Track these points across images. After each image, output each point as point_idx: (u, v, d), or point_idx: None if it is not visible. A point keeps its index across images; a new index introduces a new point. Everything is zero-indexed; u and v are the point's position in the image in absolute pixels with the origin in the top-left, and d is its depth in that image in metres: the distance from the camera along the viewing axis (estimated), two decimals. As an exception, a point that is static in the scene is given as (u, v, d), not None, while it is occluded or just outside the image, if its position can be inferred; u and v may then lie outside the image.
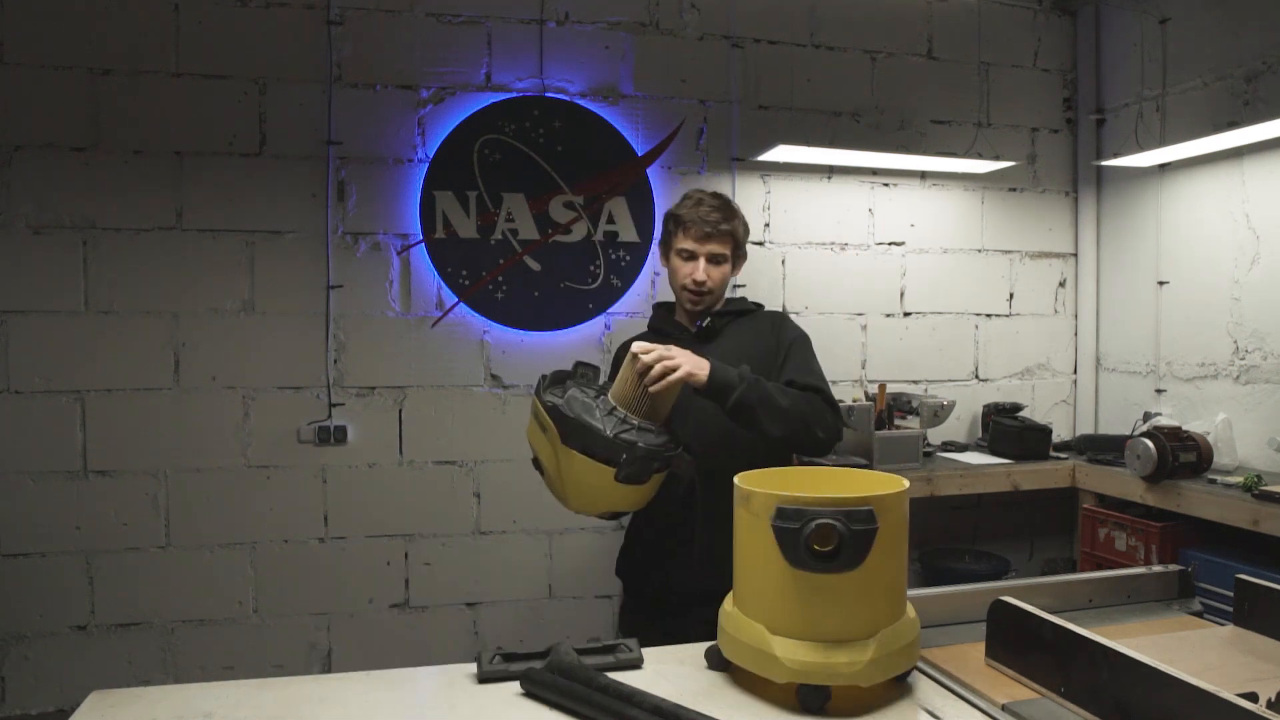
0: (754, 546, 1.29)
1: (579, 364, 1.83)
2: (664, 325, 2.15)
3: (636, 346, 1.72)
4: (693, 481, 1.75)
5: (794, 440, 1.89)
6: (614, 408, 1.70)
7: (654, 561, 2.05)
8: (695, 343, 2.01)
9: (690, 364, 1.75)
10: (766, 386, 1.84)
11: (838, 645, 1.24)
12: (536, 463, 1.81)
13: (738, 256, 2.09)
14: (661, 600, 2.01)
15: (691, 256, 2.03)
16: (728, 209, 2.05)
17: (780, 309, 3.79)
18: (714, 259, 2.02)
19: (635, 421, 1.68)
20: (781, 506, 1.24)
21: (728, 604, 1.39)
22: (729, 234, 2.02)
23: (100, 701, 1.26)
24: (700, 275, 2.01)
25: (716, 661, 1.39)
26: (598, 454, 1.63)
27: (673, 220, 2.07)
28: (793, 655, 1.24)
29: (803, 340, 2.08)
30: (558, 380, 1.77)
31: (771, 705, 1.26)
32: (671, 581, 2.00)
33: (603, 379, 1.89)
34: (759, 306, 2.18)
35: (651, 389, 1.69)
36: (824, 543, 1.23)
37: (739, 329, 2.09)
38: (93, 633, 3.25)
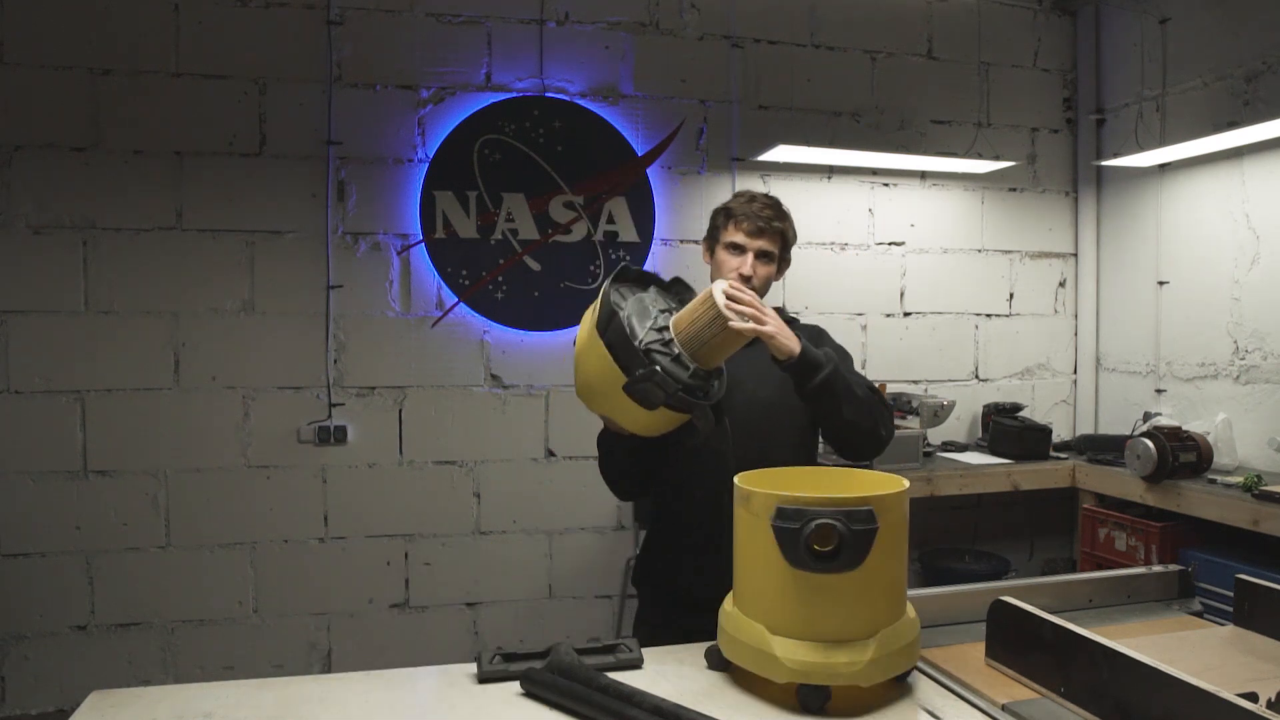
0: (754, 546, 1.29)
1: (677, 279, 1.74)
2: None
3: (726, 285, 1.59)
4: (707, 441, 1.63)
5: (860, 430, 1.82)
6: (665, 327, 1.60)
7: (678, 569, 1.97)
8: (743, 353, 1.89)
9: (781, 330, 1.67)
10: (846, 374, 1.79)
11: (838, 645, 1.24)
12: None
13: (784, 259, 2.04)
14: (685, 608, 1.86)
15: (740, 250, 1.97)
16: (780, 209, 2.01)
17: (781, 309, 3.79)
18: (762, 256, 1.97)
19: (677, 350, 1.56)
20: (781, 506, 1.24)
21: (728, 604, 1.38)
22: (780, 232, 1.98)
23: (100, 701, 1.26)
24: (748, 270, 1.95)
25: (716, 661, 1.39)
26: (619, 356, 1.53)
27: (722, 213, 2.02)
28: (793, 655, 1.24)
29: (846, 354, 2.02)
30: (643, 280, 1.70)
31: (772, 705, 1.26)
32: (695, 590, 1.83)
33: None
34: (795, 319, 2.08)
35: (731, 325, 1.53)
36: (824, 543, 1.22)
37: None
38: (93, 633, 3.25)
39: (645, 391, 1.50)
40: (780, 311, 2.02)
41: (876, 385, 2.02)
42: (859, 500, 1.23)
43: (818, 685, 1.24)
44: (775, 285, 3.81)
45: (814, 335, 2.04)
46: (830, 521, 1.22)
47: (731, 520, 1.46)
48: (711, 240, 2.07)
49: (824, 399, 1.76)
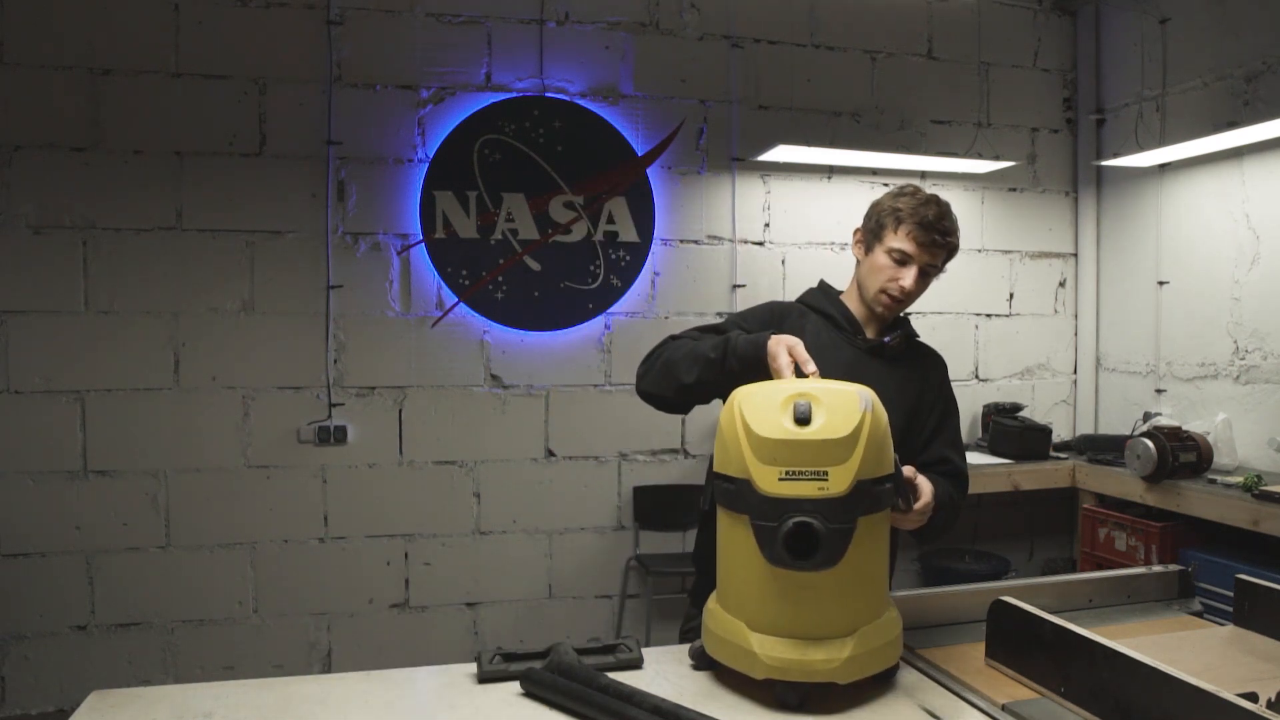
0: (734, 543, 1.29)
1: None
2: (839, 316, 1.84)
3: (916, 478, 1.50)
4: None
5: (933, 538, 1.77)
6: None
7: None
8: (870, 359, 1.80)
9: (932, 502, 1.55)
10: (944, 505, 1.67)
11: (816, 642, 1.24)
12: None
13: (941, 273, 1.86)
14: None
15: (906, 261, 1.77)
16: (952, 217, 1.80)
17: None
18: (926, 271, 1.78)
19: None
20: (760, 503, 1.23)
21: (711, 601, 1.38)
22: (948, 249, 1.79)
23: (100, 701, 1.26)
24: (909, 283, 1.77)
25: (702, 660, 1.38)
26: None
27: (891, 215, 1.78)
28: (770, 652, 1.24)
29: (956, 403, 1.90)
30: None
31: (770, 705, 1.26)
32: None
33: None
34: (916, 334, 1.94)
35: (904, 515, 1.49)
36: (802, 540, 1.21)
37: (909, 359, 1.86)
38: (93, 633, 3.25)
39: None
40: (908, 321, 1.93)
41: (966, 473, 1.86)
42: (837, 497, 1.23)
43: (794, 682, 1.23)
44: (775, 285, 3.83)
45: (940, 370, 1.90)
46: (808, 520, 1.22)
47: None
48: (871, 238, 1.83)
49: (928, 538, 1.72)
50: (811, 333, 1.79)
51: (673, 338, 1.76)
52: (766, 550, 1.24)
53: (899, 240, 1.77)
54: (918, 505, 1.50)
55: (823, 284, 1.95)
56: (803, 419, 1.28)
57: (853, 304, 1.87)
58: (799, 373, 1.48)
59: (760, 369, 1.54)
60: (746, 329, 1.75)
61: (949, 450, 1.82)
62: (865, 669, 1.27)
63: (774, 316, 1.85)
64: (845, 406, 1.32)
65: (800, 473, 1.26)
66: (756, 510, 1.26)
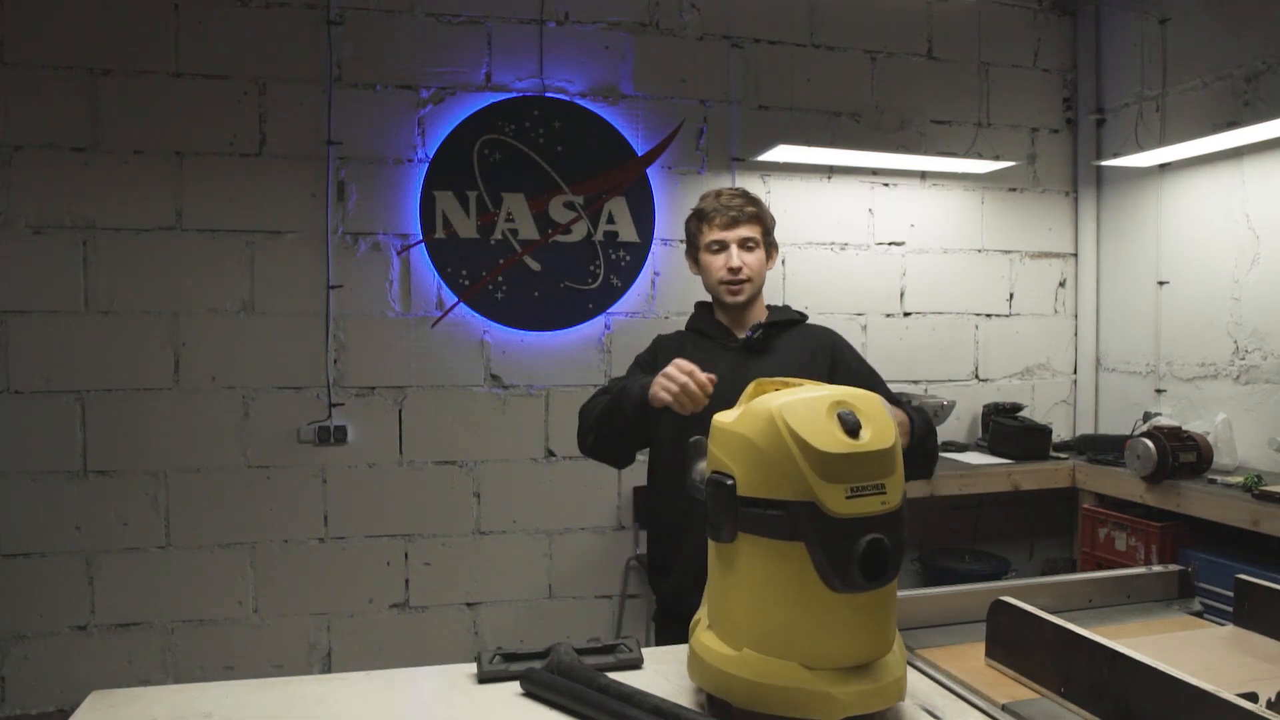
0: (777, 576, 1.15)
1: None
2: (706, 327, 2.02)
3: None
4: None
5: (921, 472, 1.85)
6: None
7: (696, 588, 1.88)
8: (742, 354, 1.94)
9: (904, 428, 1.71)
10: (924, 417, 1.82)
11: (878, 666, 1.16)
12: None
13: (769, 244, 2.00)
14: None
15: (723, 247, 1.95)
16: (748, 195, 1.99)
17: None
18: (745, 244, 1.94)
19: None
20: (829, 523, 1.12)
21: (718, 644, 1.21)
22: (755, 216, 1.95)
23: (100, 701, 1.26)
24: (735, 261, 1.92)
25: (726, 716, 1.21)
26: None
27: (695, 218, 2.00)
28: (845, 688, 1.12)
29: (868, 367, 2.00)
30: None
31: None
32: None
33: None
34: (804, 316, 2.06)
35: None
36: (875, 559, 1.13)
37: (790, 343, 1.98)
38: (93, 633, 3.25)
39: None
40: (786, 310, 2.05)
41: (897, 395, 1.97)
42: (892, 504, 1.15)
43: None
44: (775, 285, 3.83)
45: (830, 344, 2.00)
46: (880, 537, 1.13)
47: None
48: (693, 249, 2.03)
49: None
50: (690, 350, 1.93)
51: (593, 396, 1.99)
52: (837, 576, 1.13)
53: (708, 234, 1.96)
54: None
55: (697, 305, 2.10)
56: (853, 428, 1.18)
57: (720, 315, 2.02)
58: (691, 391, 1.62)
59: (648, 407, 1.72)
60: (643, 370, 1.96)
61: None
62: (905, 673, 1.21)
63: (656, 348, 2.04)
64: (879, 413, 1.23)
65: (863, 488, 1.17)
66: (824, 534, 1.13)
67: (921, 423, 1.83)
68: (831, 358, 1.97)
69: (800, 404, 1.19)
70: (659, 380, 1.68)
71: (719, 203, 1.96)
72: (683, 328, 2.08)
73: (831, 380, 1.85)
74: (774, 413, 1.18)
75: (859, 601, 1.14)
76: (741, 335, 1.98)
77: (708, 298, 2.08)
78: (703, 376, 1.64)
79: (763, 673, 1.15)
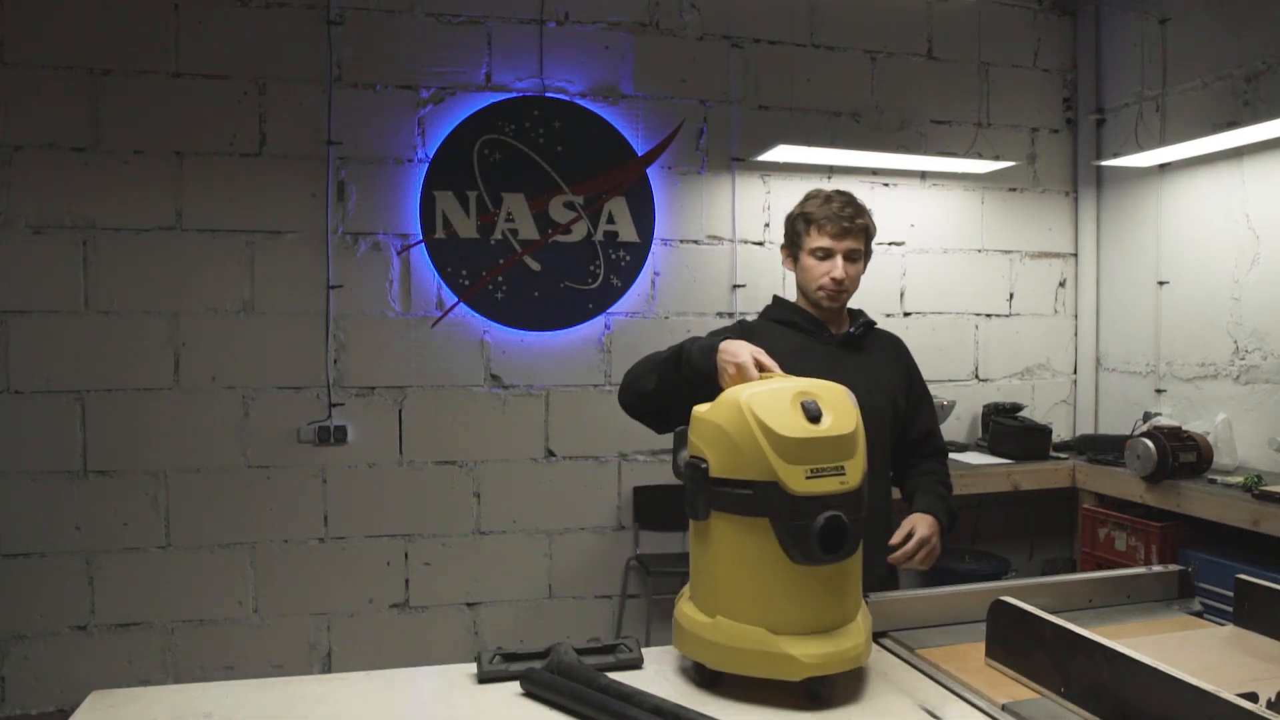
0: (745, 549, 1.30)
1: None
2: (801, 321, 1.99)
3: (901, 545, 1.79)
4: None
5: None
6: None
7: None
8: (841, 352, 1.96)
9: (939, 540, 1.84)
10: (951, 499, 1.96)
11: (839, 632, 1.29)
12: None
13: (868, 253, 2.00)
14: None
15: (828, 255, 1.93)
16: (857, 204, 1.97)
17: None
18: (851, 256, 1.94)
19: None
20: (790, 504, 1.26)
21: (696, 613, 1.34)
22: (864, 229, 1.95)
23: (100, 701, 1.26)
24: (839, 273, 1.92)
25: (704, 677, 1.34)
26: None
27: (802, 220, 1.97)
28: (806, 651, 1.25)
29: (923, 379, 2.11)
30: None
31: (769, 705, 1.26)
32: None
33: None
34: (873, 322, 2.10)
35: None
36: (834, 534, 1.26)
37: (877, 347, 2.04)
38: (93, 633, 3.25)
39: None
40: (861, 311, 2.07)
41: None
42: (850, 489, 1.30)
43: (824, 677, 1.27)
44: (775, 286, 3.83)
45: (903, 351, 2.09)
46: (838, 514, 1.27)
47: None
48: (793, 247, 2.00)
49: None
50: (782, 342, 1.89)
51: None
52: (797, 549, 1.26)
53: (818, 239, 1.92)
54: (916, 558, 1.75)
55: (776, 298, 2.10)
56: (814, 416, 1.32)
57: (809, 309, 2.01)
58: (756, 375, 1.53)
59: (710, 376, 1.60)
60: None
61: (932, 424, 2.06)
62: (870, 646, 1.35)
63: (743, 332, 1.95)
64: (842, 402, 1.38)
65: (822, 470, 1.30)
66: (786, 511, 1.26)
67: (949, 513, 1.95)
68: (906, 361, 2.08)
69: (766, 394, 1.34)
70: (739, 350, 1.57)
71: (830, 210, 1.92)
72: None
73: (909, 389, 2.03)
74: (742, 402, 1.32)
75: (819, 573, 1.28)
76: (835, 331, 1.99)
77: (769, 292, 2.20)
78: (770, 365, 1.56)
79: (733, 637, 1.29)
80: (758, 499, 1.28)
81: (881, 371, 1.98)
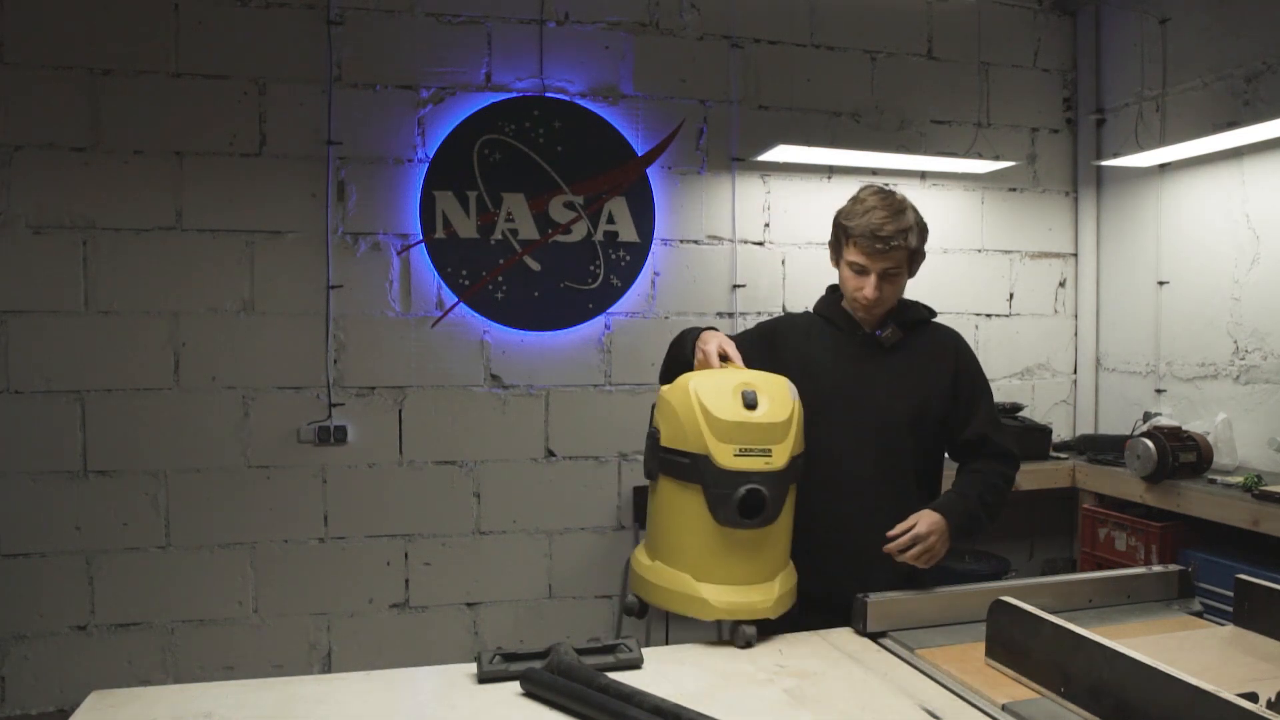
0: (681, 508, 1.61)
1: None
2: (837, 318, 1.97)
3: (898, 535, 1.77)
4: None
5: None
6: None
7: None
8: (872, 352, 1.92)
9: (943, 544, 1.81)
10: (988, 501, 1.93)
11: (752, 586, 1.58)
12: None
13: (917, 258, 1.89)
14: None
15: (863, 271, 1.85)
16: (900, 216, 1.82)
17: (780, 310, 3.79)
18: (887, 275, 1.84)
19: None
20: (717, 475, 1.54)
21: (644, 557, 1.68)
22: (902, 248, 1.82)
23: (100, 701, 1.26)
24: (871, 293, 1.84)
25: (638, 609, 1.65)
26: None
27: (841, 229, 1.88)
28: (720, 598, 1.56)
29: (984, 383, 1.98)
30: None
31: (769, 705, 1.26)
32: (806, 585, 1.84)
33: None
34: (931, 313, 2.02)
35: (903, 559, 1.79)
36: (752, 504, 1.54)
37: (917, 346, 1.95)
38: (93, 633, 3.25)
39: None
40: (915, 307, 2.00)
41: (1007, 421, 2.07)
42: (777, 468, 1.55)
43: (748, 622, 1.56)
44: (775, 285, 3.83)
45: (955, 348, 1.97)
46: (758, 487, 1.53)
47: (845, 527, 1.83)
48: (834, 251, 1.95)
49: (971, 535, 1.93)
50: (817, 335, 1.96)
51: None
52: (720, 513, 1.55)
53: (853, 254, 1.85)
54: (908, 554, 1.75)
55: (828, 289, 2.06)
56: (751, 404, 1.57)
57: (847, 307, 1.97)
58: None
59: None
60: (753, 337, 2.01)
61: (988, 429, 1.93)
62: (786, 605, 1.63)
63: (778, 325, 2.08)
64: (781, 394, 1.63)
65: (750, 450, 1.56)
66: (713, 480, 1.55)
67: (968, 514, 1.89)
68: (955, 361, 1.94)
69: (712, 381, 1.62)
70: (709, 339, 1.77)
71: (868, 224, 1.81)
72: (695, 325, 2.02)
73: (953, 396, 1.92)
74: (690, 387, 1.61)
75: (738, 534, 1.57)
76: (870, 330, 1.94)
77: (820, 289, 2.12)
78: (732, 356, 1.75)
79: (664, 579, 1.62)
80: (693, 468, 1.56)
81: (912, 375, 1.90)
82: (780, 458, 1.57)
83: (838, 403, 1.87)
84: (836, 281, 1.96)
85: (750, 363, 1.81)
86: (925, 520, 1.78)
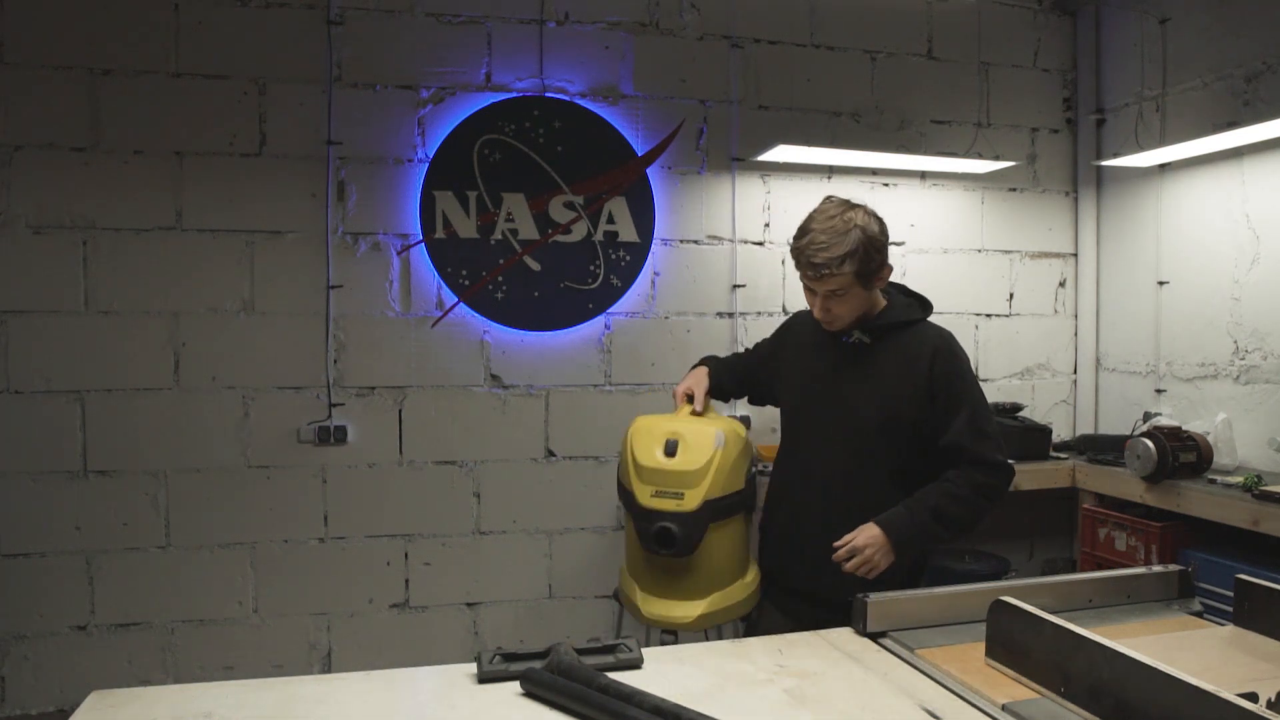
0: (629, 530, 2.01)
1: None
2: (815, 328, 2.06)
3: (844, 553, 1.86)
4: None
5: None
6: None
7: (777, 550, 2.14)
8: (842, 357, 1.99)
9: (883, 556, 1.83)
10: (944, 512, 1.88)
11: (679, 602, 1.92)
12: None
13: (870, 278, 1.92)
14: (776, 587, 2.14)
15: (812, 292, 1.95)
16: (839, 241, 1.85)
17: (780, 310, 3.79)
18: (833, 295, 1.90)
19: None
20: (638, 512, 1.91)
21: (624, 562, 2.12)
22: (835, 276, 1.87)
23: (100, 701, 1.26)
24: (819, 313, 1.95)
25: (621, 599, 2.16)
26: None
27: (794, 250, 1.95)
28: (648, 607, 1.97)
29: (965, 388, 1.93)
30: None
31: (769, 705, 1.26)
32: (775, 572, 2.13)
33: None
34: (926, 310, 2.06)
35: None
36: (664, 539, 1.86)
37: (892, 350, 1.97)
38: (93, 633, 3.25)
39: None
40: (907, 307, 2.03)
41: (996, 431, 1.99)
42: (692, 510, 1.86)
43: (669, 630, 1.94)
44: (775, 285, 3.83)
45: (934, 353, 1.94)
46: (668, 525, 1.83)
47: (816, 521, 1.97)
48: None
49: (928, 548, 2.04)
50: (809, 334, 2.10)
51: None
52: (643, 542, 1.89)
53: (802, 275, 1.94)
54: (848, 565, 1.85)
55: None
56: (670, 452, 1.88)
57: None
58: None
59: None
60: (764, 344, 2.28)
61: (964, 438, 1.90)
62: (714, 621, 1.95)
63: (781, 329, 2.26)
64: (702, 445, 1.89)
65: (665, 492, 1.86)
66: (636, 515, 1.89)
67: (915, 526, 1.88)
68: (931, 366, 1.93)
69: (648, 427, 1.98)
70: (679, 389, 2.17)
71: (805, 253, 1.88)
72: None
73: (928, 403, 1.91)
74: (631, 431, 1.99)
75: (660, 560, 1.92)
76: (843, 338, 2.01)
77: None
78: (697, 404, 2.10)
79: (624, 584, 2.09)
80: (626, 501, 1.94)
81: (882, 378, 1.93)
82: (692, 501, 1.84)
83: (812, 402, 2.02)
84: (781, 292, 2.13)
85: (762, 362, 2.21)
86: (864, 534, 1.86)
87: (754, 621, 2.12)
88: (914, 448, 1.95)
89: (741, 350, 2.35)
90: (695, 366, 2.26)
